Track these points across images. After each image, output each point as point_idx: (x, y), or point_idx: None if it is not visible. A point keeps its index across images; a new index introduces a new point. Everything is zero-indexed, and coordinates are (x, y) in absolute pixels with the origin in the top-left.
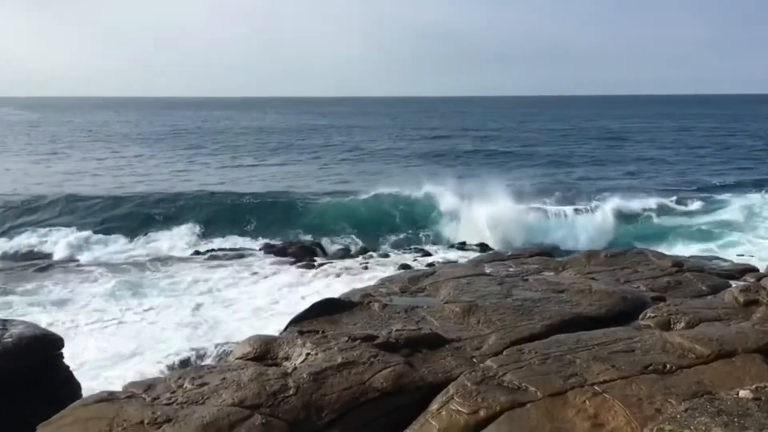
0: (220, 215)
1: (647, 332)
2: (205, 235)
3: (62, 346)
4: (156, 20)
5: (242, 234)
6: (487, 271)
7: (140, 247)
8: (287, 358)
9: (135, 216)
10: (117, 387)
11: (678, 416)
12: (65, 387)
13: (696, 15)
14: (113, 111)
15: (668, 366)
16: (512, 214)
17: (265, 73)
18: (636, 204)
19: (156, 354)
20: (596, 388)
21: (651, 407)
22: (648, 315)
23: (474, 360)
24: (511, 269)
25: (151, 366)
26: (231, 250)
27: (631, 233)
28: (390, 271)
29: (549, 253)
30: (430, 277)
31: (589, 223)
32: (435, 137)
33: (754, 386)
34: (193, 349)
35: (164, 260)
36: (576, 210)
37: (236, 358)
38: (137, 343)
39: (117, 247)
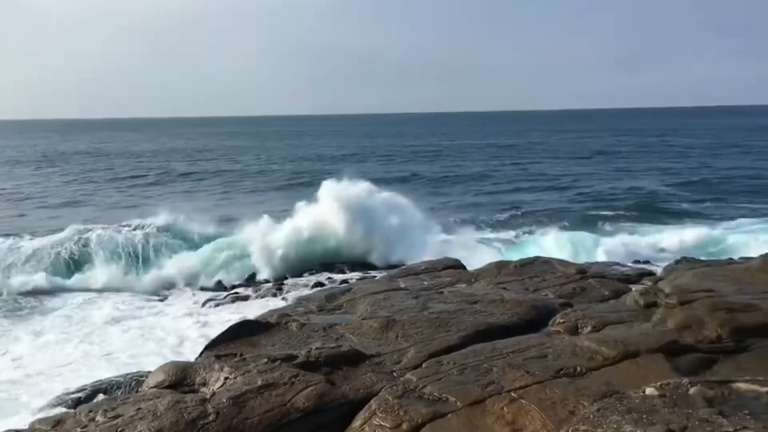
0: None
1: (557, 338)
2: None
3: None
4: (51, 40)
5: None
6: (402, 285)
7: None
8: (205, 384)
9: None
10: (22, 425)
11: (591, 416)
12: None
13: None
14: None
15: (579, 369)
16: None
17: (169, 93)
18: None
19: (59, 388)
20: (513, 394)
21: (565, 410)
22: (557, 321)
23: (394, 374)
24: (425, 282)
25: (56, 401)
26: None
27: None
28: (305, 291)
29: (461, 265)
30: (347, 294)
31: None
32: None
33: (658, 383)
34: (100, 381)
35: (49, 291)
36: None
37: (150, 388)
38: (39, 377)
39: None
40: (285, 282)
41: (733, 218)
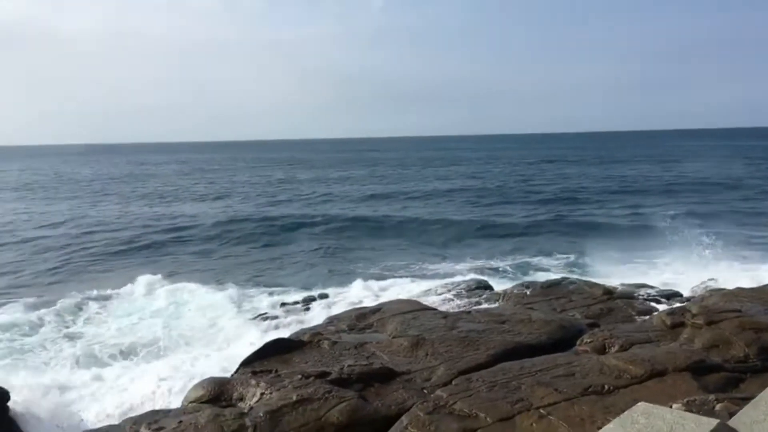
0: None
1: (585, 356)
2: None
3: (8, 399)
4: (78, 66)
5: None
6: (430, 305)
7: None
8: (242, 399)
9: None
10: None
11: None
12: None
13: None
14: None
15: (606, 387)
16: None
17: (192, 118)
18: None
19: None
20: (541, 411)
21: (593, 426)
22: (584, 340)
23: (425, 391)
24: (453, 302)
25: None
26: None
27: None
28: (335, 309)
29: (488, 285)
30: (377, 313)
31: None
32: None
33: (685, 400)
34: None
35: (78, 304)
36: None
37: (190, 402)
38: (76, 389)
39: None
40: (312, 302)
41: None
